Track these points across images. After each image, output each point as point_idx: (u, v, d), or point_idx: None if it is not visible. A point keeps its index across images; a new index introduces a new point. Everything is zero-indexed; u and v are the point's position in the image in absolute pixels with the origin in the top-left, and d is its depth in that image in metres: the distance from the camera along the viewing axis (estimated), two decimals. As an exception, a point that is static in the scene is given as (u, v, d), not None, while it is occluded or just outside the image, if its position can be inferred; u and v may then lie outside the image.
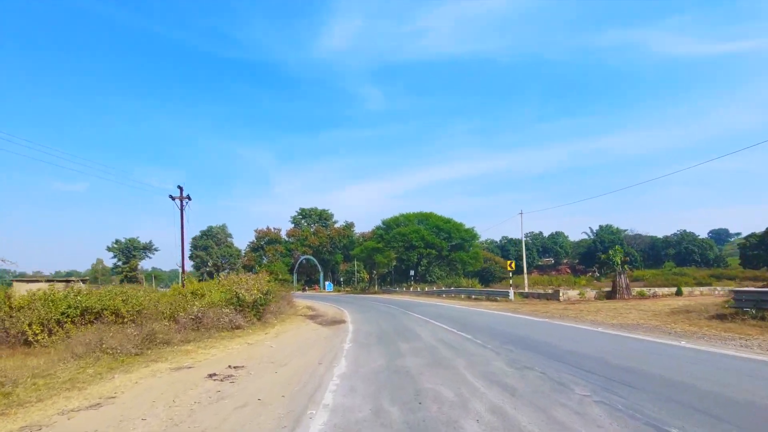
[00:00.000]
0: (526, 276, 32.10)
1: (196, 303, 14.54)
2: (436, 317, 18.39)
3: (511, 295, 26.65)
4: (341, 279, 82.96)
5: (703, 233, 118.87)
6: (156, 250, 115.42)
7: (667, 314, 14.42)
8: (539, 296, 27.62)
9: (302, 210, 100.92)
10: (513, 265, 30.67)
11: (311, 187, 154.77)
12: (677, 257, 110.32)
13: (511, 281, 31.30)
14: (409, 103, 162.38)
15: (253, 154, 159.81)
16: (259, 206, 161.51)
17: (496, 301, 27.61)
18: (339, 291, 72.65)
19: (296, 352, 10.28)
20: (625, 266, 25.05)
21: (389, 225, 60.67)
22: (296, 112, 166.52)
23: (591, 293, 25.94)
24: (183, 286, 22.96)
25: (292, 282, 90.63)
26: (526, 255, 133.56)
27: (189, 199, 30.47)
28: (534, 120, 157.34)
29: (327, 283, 79.13)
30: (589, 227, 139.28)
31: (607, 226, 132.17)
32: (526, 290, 31.42)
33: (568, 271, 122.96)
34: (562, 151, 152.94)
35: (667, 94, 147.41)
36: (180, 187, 30.06)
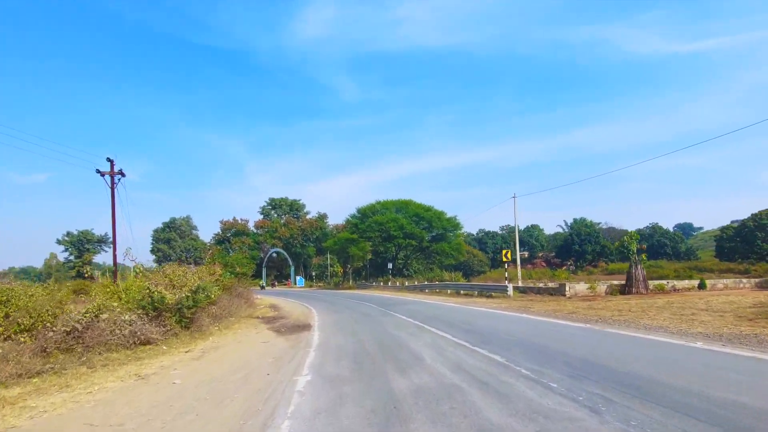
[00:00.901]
0: (519, 269, 28.37)
1: (79, 308, 9.60)
2: (430, 320, 14.05)
3: (510, 291, 22.67)
4: (313, 274, 77.92)
5: (669, 227, 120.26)
6: (112, 242, 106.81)
7: (749, 316, 10.55)
8: (539, 291, 23.79)
9: (272, 200, 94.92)
10: (509, 255, 26.79)
11: (285, 179, 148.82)
12: (649, 250, 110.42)
13: (506, 274, 27.41)
14: (384, 94, 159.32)
15: (224, 144, 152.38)
16: (231, 198, 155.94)
17: (491, 297, 23.60)
18: (311, 286, 67.65)
19: (207, 400, 5.66)
20: (643, 255, 21.49)
21: (365, 213, 55.92)
22: (269, 101, 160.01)
23: (601, 287, 22.26)
24: (114, 281, 17.78)
25: (260, 276, 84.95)
26: (503, 248, 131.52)
27: (122, 175, 25.05)
28: (509, 113, 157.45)
29: (298, 278, 73.95)
30: (564, 220, 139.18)
31: (581, 219, 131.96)
32: (520, 284, 27.60)
33: (544, 264, 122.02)
34: (536, 144, 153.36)
35: (635, 91, 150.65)
36: (110, 160, 24.58)
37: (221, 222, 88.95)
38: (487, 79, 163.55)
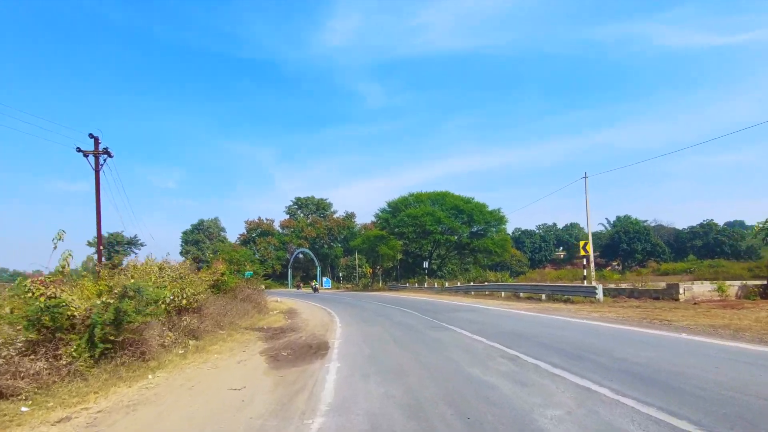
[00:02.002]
0: (592, 267, 22.15)
1: None
2: (518, 342, 8.59)
3: (600, 294, 16.78)
4: (341, 275, 73.34)
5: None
6: (142, 245, 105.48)
7: None
8: (636, 294, 17.80)
9: (298, 199, 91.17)
10: (589, 247, 20.84)
11: (311, 185, 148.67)
12: (703, 249, 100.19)
13: (591, 273, 21.41)
14: (407, 100, 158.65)
15: (253, 152, 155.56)
16: (259, 204, 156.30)
17: (569, 302, 17.79)
18: (338, 288, 62.96)
19: None
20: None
21: (396, 207, 50.21)
22: (296, 109, 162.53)
23: (733, 288, 16.07)
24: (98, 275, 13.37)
25: (285, 278, 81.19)
26: (542, 247, 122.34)
27: (109, 155, 20.78)
28: (535, 115, 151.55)
29: (325, 279, 69.50)
30: (606, 218, 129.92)
31: (625, 216, 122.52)
32: (600, 284, 21.48)
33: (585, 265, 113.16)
34: (564, 145, 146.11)
35: (668, 87, 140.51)
36: (94, 138, 20.37)
37: (246, 222, 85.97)
38: (512, 80, 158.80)
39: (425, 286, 37.57)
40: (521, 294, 22.22)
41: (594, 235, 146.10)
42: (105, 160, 20.78)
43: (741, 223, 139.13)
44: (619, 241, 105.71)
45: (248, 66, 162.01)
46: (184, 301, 9.79)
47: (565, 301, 17.97)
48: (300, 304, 29.24)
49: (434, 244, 48.60)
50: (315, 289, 65.10)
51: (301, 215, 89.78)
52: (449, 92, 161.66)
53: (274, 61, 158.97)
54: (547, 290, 20.37)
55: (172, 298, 9.15)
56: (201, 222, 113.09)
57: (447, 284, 34.19)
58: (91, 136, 20.36)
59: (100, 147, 20.23)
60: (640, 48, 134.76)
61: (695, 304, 14.20)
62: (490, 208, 45.58)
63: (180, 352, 8.58)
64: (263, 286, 35.47)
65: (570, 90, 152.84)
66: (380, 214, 51.61)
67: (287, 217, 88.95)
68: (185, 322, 9.94)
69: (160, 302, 7.83)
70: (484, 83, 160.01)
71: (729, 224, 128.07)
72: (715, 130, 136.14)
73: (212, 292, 16.63)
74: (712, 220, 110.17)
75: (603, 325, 10.80)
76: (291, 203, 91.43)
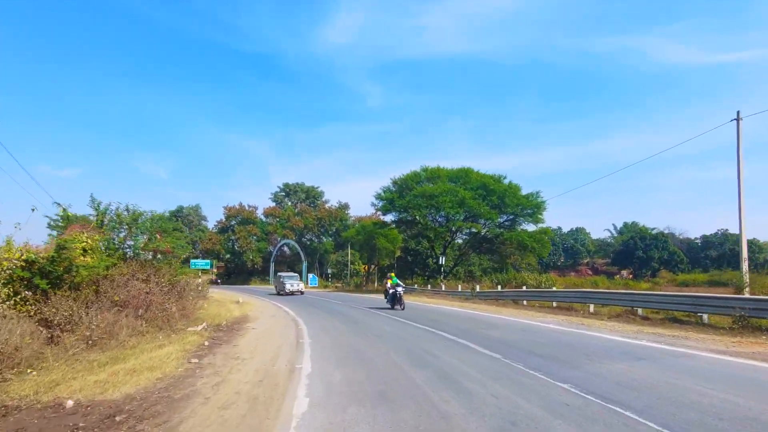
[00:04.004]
0: (746, 266, 13.09)
1: None
2: None
3: None
4: (330, 272, 64.07)
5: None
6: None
7: None
8: None
9: (286, 185, 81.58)
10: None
11: (307, 180, 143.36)
12: (718, 260, 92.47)
13: (745, 276, 12.57)
14: (407, 100, 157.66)
15: (249, 145, 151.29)
16: (252, 197, 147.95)
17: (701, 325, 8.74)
18: (326, 287, 53.54)
19: None
20: None
21: (405, 185, 38.65)
22: (295, 104, 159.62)
23: None
24: None
25: (211, 269, 71.68)
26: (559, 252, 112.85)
27: None
28: (532, 121, 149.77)
29: (311, 276, 60.10)
30: (613, 224, 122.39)
31: (632, 223, 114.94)
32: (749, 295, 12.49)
33: (590, 272, 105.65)
34: (559, 153, 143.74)
35: (664, 101, 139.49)
36: None
37: (225, 208, 76.16)
38: (511, 86, 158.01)
39: (442, 289, 28.20)
40: (639, 310, 13.14)
41: (601, 241, 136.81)
42: None
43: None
44: (633, 248, 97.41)
45: (248, 58, 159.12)
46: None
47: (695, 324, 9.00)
48: (264, 310, 19.98)
49: (452, 234, 39.12)
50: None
51: (289, 204, 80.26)
52: (448, 95, 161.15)
53: (274, 55, 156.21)
54: (688, 302, 11.28)
55: None
56: (180, 209, 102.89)
57: (478, 288, 24.79)
58: None
59: None
60: (637, 61, 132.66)
61: None
62: (522, 192, 35.20)
63: None
64: (200, 279, 26.47)
65: (568, 98, 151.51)
66: (383, 193, 39.90)
67: (273, 204, 79.34)
68: None
69: None
70: (483, 87, 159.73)
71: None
72: (715, 145, 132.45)
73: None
74: (727, 230, 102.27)
75: None
76: (278, 189, 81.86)
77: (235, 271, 73.33)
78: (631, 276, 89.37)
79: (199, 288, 28.29)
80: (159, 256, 13.55)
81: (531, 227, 35.99)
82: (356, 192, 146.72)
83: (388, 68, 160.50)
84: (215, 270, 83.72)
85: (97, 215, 11.16)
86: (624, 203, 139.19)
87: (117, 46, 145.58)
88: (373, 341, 9.52)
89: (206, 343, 9.42)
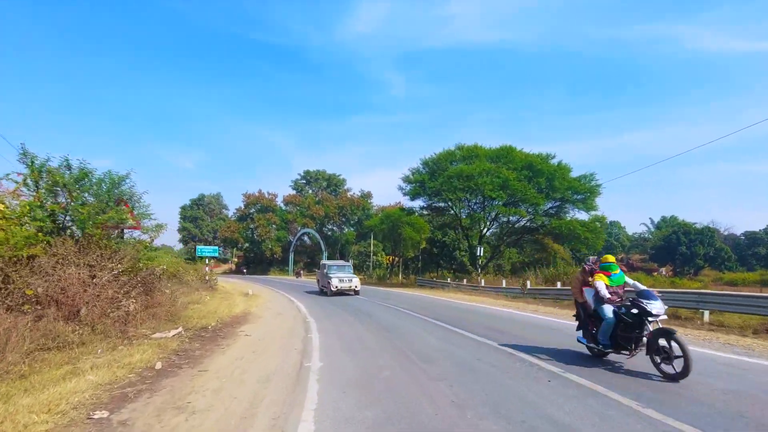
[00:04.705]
0: None
1: None
2: None
3: None
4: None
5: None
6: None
7: None
8: None
9: (307, 173, 78.52)
10: None
11: (330, 171, 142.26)
12: (766, 258, 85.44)
13: None
14: (431, 91, 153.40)
15: (273, 137, 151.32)
16: (276, 189, 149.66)
17: None
18: (347, 279, 50.18)
19: None
20: None
21: (437, 166, 33.53)
22: (319, 96, 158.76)
23: None
24: None
25: (287, 263, 68.92)
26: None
27: None
28: (558, 113, 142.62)
29: (331, 266, 56.89)
30: (650, 218, 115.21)
31: (671, 217, 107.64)
32: None
33: (624, 269, 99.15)
34: (588, 145, 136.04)
35: (700, 91, 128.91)
36: None
37: (244, 195, 73.68)
38: (537, 76, 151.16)
39: (481, 284, 24.12)
40: (706, 314, 9.00)
41: (637, 237, 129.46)
42: None
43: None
44: (676, 244, 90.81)
45: (273, 51, 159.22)
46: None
47: None
48: (272, 305, 16.59)
49: (490, 223, 34.44)
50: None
51: (310, 192, 77.26)
52: (473, 86, 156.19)
53: (298, 47, 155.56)
54: None
55: None
56: (201, 197, 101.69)
57: (529, 284, 20.33)
58: None
59: None
60: (672, 50, 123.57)
61: None
62: (572, 174, 30.84)
63: None
64: (206, 267, 23.17)
65: (595, 89, 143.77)
66: (411, 176, 34.91)
67: (294, 192, 76.44)
68: None
69: None
70: (508, 78, 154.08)
71: None
72: (751, 137, 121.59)
73: None
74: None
75: None
76: (298, 177, 78.91)
77: (254, 261, 70.99)
78: (671, 273, 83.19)
79: (206, 278, 25.35)
80: (125, 235, 10.19)
81: (579, 216, 31.17)
82: (378, 183, 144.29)
83: (412, 59, 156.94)
84: (236, 259, 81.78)
85: (29, 172, 7.86)
86: (659, 197, 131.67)
87: (147, 41, 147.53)
88: (437, 385, 5.79)
89: (158, 366, 5.91)
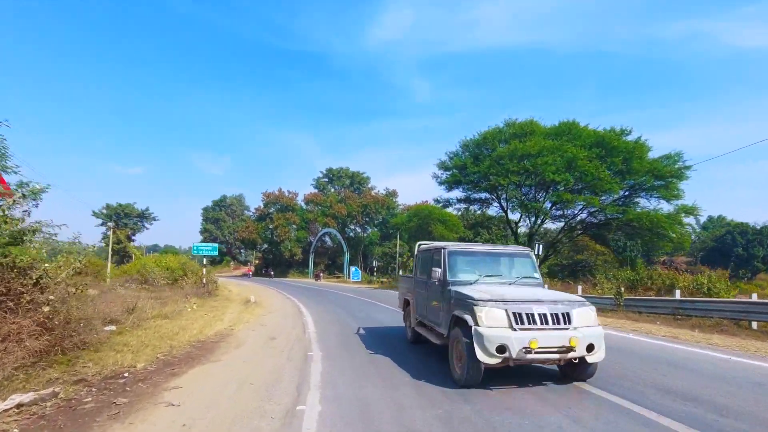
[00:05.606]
0: None
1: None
2: None
3: None
4: (375, 265, 56.56)
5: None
6: (155, 219, 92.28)
7: None
8: None
9: (329, 171, 74.90)
10: None
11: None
12: None
13: None
14: (457, 95, 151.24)
15: (298, 142, 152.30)
16: (299, 191, 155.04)
17: None
18: (370, 282, 45.73)
19: None
20: None
21: (481, 147, 27.68)
22: (345, 102, 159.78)
23: None
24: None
25: (306, 265, 65.30)
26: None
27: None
28: (591, 114, 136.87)
29: (353, 269, 52.85)
30: (694, 218, 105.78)
31: (719, 217, 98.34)
32: None
33: (665, 270, 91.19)
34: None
35: (739, 88, 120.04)
36: None
37: (263, 194, 70.63)
38: (567, 78, 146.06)
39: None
40: None
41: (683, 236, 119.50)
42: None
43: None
44: (731, 245, 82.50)
45: (299, 58, 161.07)
46: None
47: None
48: (270, 319, 12.37)
49: (556, 210, 27.56)
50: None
51: (332, 190, 73.57)
52: (499, 89, 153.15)
53: (325, 54, 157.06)
54: None
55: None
56: (223, 198, 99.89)
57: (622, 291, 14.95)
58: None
59: None
60: (708, 47, 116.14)
61: None
62: (651, 156, 24.21)
63: None
64: (204, 269, 18.95)
65: (627, 90, 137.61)
66: (449, 161, 28.97)
67: (315, 191, 72.89)
68: None
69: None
70: (537, 81, 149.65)
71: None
72: None
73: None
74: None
75: None
76: (321, 175, 75.34)
77: (273, 263, 67.68)
78: (726, 277, 75.06)
79: (203, 281, 21.63)
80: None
81: (648, 205, 25.24)
82: (403, 187, 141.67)
83: (437, 63, 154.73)
84: (256, 261, 78.95)
85: None
86: (703, 197, 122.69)
87: (179, 51, 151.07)
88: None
89: None
